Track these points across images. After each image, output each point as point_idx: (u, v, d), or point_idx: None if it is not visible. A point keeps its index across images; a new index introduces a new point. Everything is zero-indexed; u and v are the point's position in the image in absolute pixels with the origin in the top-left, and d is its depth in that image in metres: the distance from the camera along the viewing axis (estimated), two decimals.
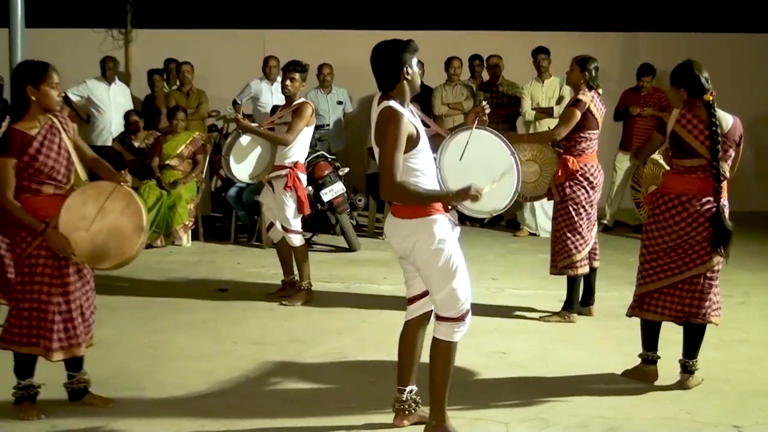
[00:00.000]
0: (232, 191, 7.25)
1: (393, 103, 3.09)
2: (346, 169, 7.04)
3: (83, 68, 8.18)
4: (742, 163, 9.46)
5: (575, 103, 4.82)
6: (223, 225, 7.75)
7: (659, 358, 4.01)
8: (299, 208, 5.23)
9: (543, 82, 7.60)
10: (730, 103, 10.45)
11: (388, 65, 3.12)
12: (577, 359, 4.27)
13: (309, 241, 7.29)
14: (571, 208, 4.81)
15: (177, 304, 5.21)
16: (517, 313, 5.14)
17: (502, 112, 7.73)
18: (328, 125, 8.06)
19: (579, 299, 5.03)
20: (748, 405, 3.72)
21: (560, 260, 4.90)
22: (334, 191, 6.79)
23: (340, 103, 8.27)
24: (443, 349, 3.17)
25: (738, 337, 4.67)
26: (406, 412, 3.35)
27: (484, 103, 3.48)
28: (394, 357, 3.39)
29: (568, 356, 4.33)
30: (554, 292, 5.38)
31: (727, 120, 3.90)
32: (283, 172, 5.17)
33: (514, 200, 3.52)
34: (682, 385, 3.92)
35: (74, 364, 3.53)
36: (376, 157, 3.12)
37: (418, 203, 3.08)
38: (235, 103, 8.21)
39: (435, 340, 3.20)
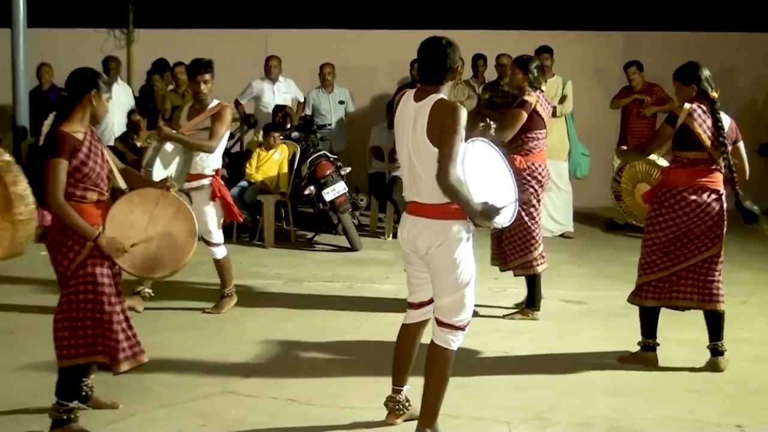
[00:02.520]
0: (234, 191, 7.25)
1: (446, 97, 3.11)
2: (348, 169, 7.04)
3: None
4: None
5: (521, 104, 4.88)
6: (225, 225, 7.73)
7: (658, 344, 4.14)
8: (229, 215, 4.97)
9: (546, 82, 7.57)
10: (731, 102, 10.50)
11: (440, 59, 3.10)
12: (578, 359, 4.27)
13: (311, 240, 7.31)
14: (521, 209, 4.82)
15: (178, 304, 5.21)
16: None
17: (506, 111, 7.71)
18: (329, 125, 8.06)
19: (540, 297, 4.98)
20: (750, 404, 3.73)
21: (513, 260, 4.91)
22: (336, 191, 6.80)
23: (341, 102, 8.27)
24: (441, 356, 3.14)
25: (740, 336, 4.66)
26: (400, 412, 3.39)
27: (491, 123, 3.49)
28: None
29: (570, 356, 4.34)
30: (555, 291, 5.39)
31: (725, 118, 4.05)
32: (205, 182, 4.84)
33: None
34: (714, 367, 4.09)
35: (85, 370, 3.37)
36: (423, 150, 3.03)
37: (458, 203, 3.01)
38: (237, 102, 8.23)
39: (434, 345, 3.17)
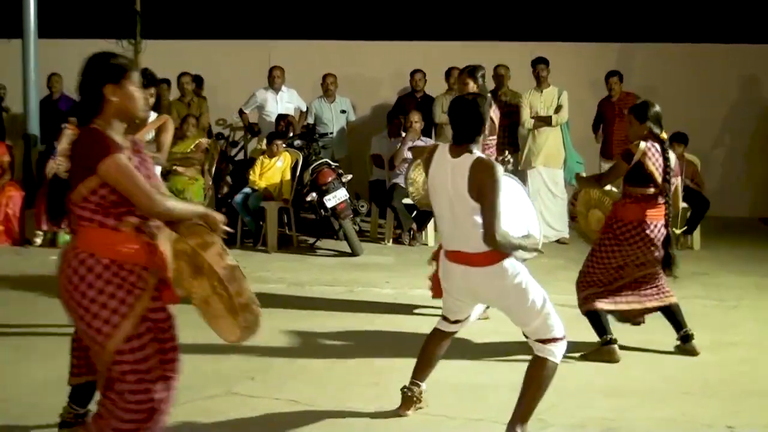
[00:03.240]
0: (238, 197, 7.39)
1: (481, 154, 3.21)
2: (349, 176, 7.17)
3: None
4: (734, 170, 9.70)
5: None
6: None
7: (616, 340, 4.34)
8: None
9: (542, 92, 7.75)
10: (722, 113, 10.62)
11: (475, 120, 3.20)
12: (574, 361, 4.31)
13: (313, 245, 7.44)
14: None
15: (183, 307, 5.30)
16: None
17: (504, 122, 7.87)
18: (331, 133, 8.20)
19: None
20: (742, 406, 3.78)
21: None
22: (337, 197, 6.91)
23: (343, 111, 8.41)
24: (543, 367, 3.20)
25: (732, 340, 4.76)
26: (415, 404, 3.51)
27: (508, 156, 3.64)
28: (396, 359, 3.48)
29: (566, 358, 4.35)
30: (552, 296, 5.46)
31: (671, 155, 4.35)
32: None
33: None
34: (691, 352, 4.40)
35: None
36: (464, 208, 3.12)
37: (509, 252, 3.13)
38: (241, 112, 8.39)
39: (537, 357, 3.22)
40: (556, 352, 3.21)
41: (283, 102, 8.32)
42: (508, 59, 8.21)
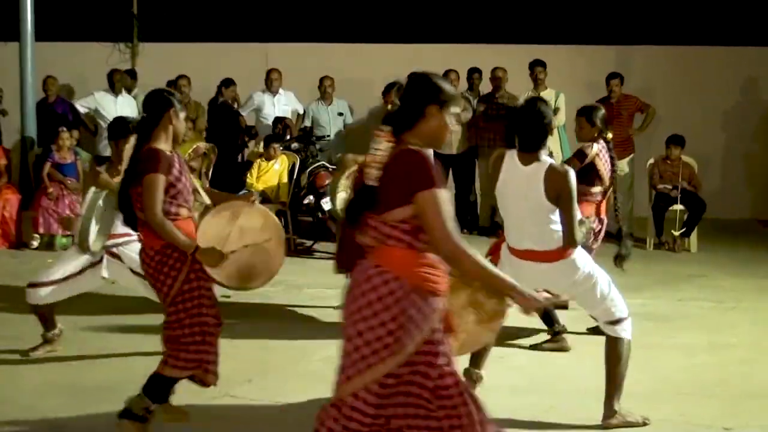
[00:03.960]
0: None
1: (551, 161, 3.52)
2: None
3: (91, 81, 8.36)
4: (732, 172, 9.70)
5: None
6: None
7: (565, 328, 4.59)
8: None
9: (539, 94, 7.77)
10: (721, 115, 10.64)
11: (542, 126, 3.53)
12: (572, 363, 4.35)
13: (311, 248, 7.44)
14: None
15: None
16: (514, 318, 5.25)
17: (501, 124, 7.88)
18: (328, 136, 8.21)
19: None
20: (740, 407, 3.80)
21: None
22: None
23: (340, 114, 8.42)
24: (617, 344, 3.51)
25: (730, 342, 4.78)
26: (476, 381, 3.68)
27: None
28: None
29: (564, 361, 4.41)
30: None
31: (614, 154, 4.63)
32: (134, 236, 3.89)
33: None
34: (561, 347, 4.59)
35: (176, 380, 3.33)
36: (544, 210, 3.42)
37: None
38: (238, 114, 8.39)
39: (609, 338, 3.52)
40: (626, 330, 3.51)
41: (281, 105, 8.33)
42: (506, 62, 8.23)
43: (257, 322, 5.10)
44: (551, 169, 3.43)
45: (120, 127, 4.06)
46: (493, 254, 3.77)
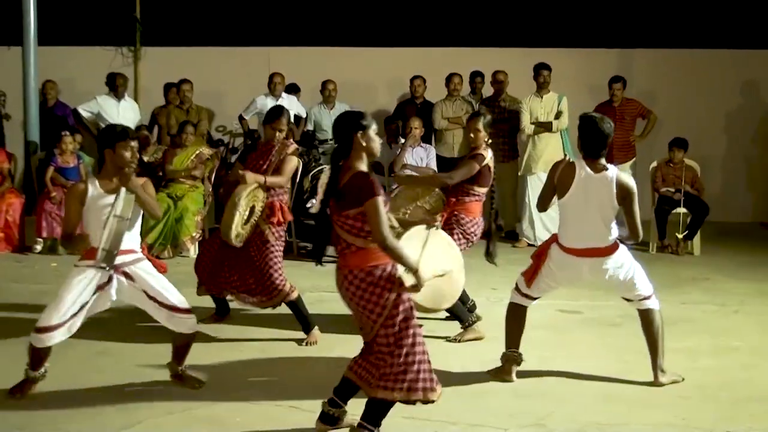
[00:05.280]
0: None
1: (616, 169, 4.03)
2: None
3: (94, 85, 8.38)
4: (734, 175, 9.70)
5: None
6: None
7: (480, 317, 4.85)
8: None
9: (542, 97, 7.76)
10: (723, 118, 10.62)
11: (604, 134, 3.96)
12: (574, 366, 4.35)
13: (312, 252, 7.43)
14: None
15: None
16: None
17: (504, 127, 7.88)
18: (331, 140, 8.21)
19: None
20: (742, 411, 3.80)
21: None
22: None
23: None
24: (651, 315, 4.11)
25: (732, 345, 4.77)
26: (517, 364, 4.15)
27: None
28: None
29: (566, 363, 4.41)
30: (552, 301, 5.49)
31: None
32: (140, 253, 3.88)
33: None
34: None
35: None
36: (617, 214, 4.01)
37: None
38: (241, 118, 8.40)
39: (642, 311, 4.11)
40: (656, 302, 4.13)
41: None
42: (508, 65, 8.23)
43: (259, 326, 5.11)
44: (620, 177, 3.97)
45: (109, 135, 3.83)
46: (541, 255, 4.15)
